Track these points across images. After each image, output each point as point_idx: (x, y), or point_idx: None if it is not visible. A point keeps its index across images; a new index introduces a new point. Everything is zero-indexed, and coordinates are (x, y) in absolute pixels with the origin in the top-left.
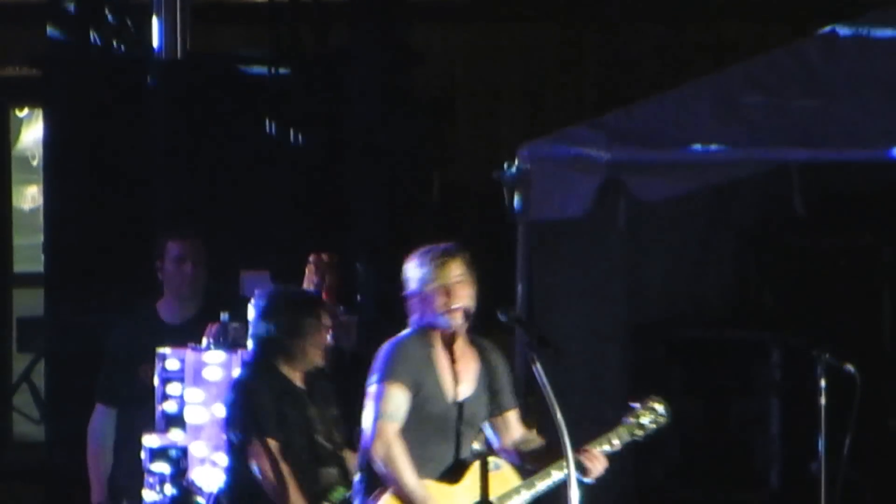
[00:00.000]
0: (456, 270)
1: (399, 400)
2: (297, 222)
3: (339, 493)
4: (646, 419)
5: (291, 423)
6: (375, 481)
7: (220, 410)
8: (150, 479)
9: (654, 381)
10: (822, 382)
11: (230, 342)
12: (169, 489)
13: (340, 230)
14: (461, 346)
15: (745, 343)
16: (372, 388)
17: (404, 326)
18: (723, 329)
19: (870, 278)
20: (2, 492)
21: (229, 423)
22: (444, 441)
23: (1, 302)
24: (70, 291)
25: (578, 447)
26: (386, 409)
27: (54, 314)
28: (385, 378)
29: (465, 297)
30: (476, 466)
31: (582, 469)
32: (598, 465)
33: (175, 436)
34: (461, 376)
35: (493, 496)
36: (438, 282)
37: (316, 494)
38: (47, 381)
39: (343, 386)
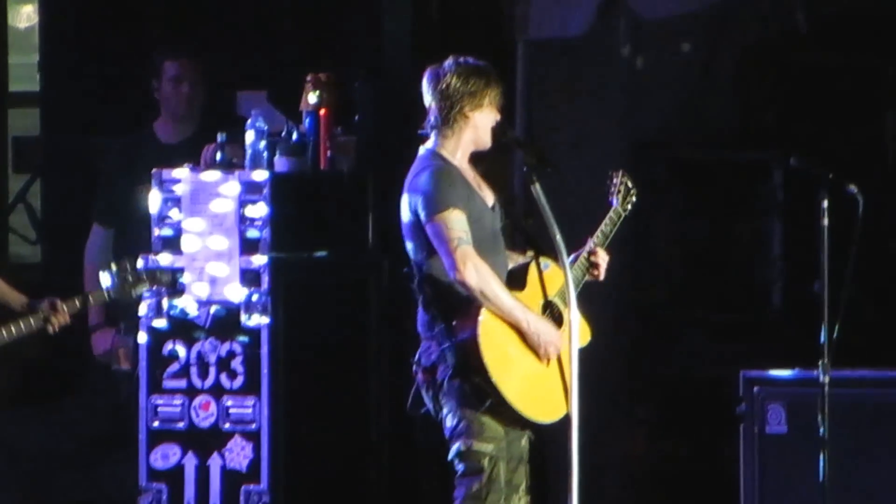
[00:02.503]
0: (497, 89)
1: (462, 223)
2: (296, 41)
3: None
4: (626, 201)
5: None
6: (446, 307)
7: (217, 240)
8: (147, 302)
9: (655, 200)
10: (825, 203)
11: (226, 162)
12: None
13: (339, 49)
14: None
15: (747, 163)
16: (432, 224)
17: (402, 146)
18: (725, 149)
19: (873, 98)
20: None
21: None
22: (497, 252)
23: None
24: (66, 111)
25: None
26: (456, 235)
27: (50, 134)
28: (442, 209)
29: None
30: (532, 269)
31: (590, 267)
32: (601, 263)
33: (168, 258)
34: (484, 189)
35: (552, 295)
36: (487, 101)
37: None
38: (43, 201)
39: None
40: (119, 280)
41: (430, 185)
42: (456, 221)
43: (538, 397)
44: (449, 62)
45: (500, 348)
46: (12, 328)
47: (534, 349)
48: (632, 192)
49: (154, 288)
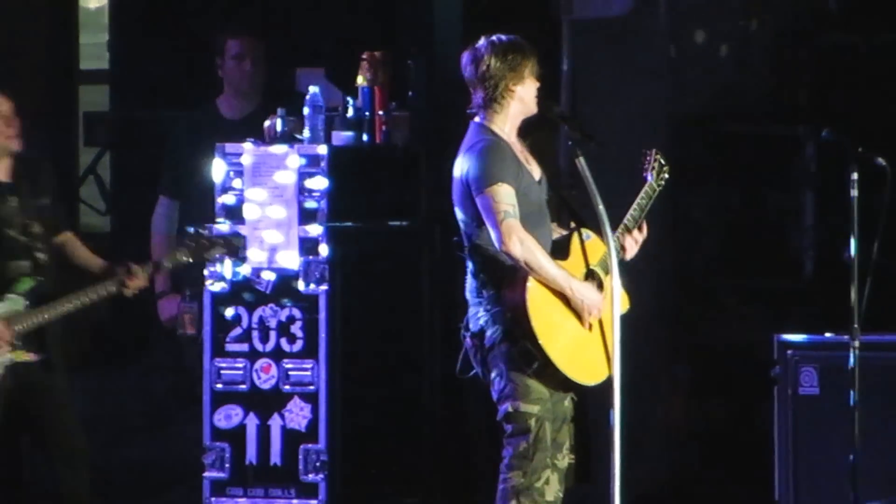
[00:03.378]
0: (533, 59)
1: (510, 197)
2: (352, 21)
3: (24, 284)
4: (660, 176)
5: None
6: (496, 276)
7: (277, 210)
8: (212, 269)
9: (694, 173)
10: (854, 175)
11: (287, 136)
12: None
13: (393, 27)
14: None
15: (780, 137)
16: (482, 197)
17: (453, 120)
18: (760, 123)
19: None
20: (70, 278)
21: None
22: (543, 224)
23: (67, 97)
24: (134, 87)
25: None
26: (504, 208)
27: (119, 109)
28: (491, 182)
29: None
30: (574, 239)
31: (623, 249)
32: (636, 241)
33: (230, 226)
34: (531, 163)
35: (594, 264)
36: (527, 72)
37: (2, 286)
38: (112, 173)
39: None
40: (195, 244)
41: (481, 159)
42: (504, 195)
43: (582, 361)
44: (483, 43)
45: (546, 314)
46: (91, 292)
47: (578, 314)
48: (665, 168)
49: (225, 252)
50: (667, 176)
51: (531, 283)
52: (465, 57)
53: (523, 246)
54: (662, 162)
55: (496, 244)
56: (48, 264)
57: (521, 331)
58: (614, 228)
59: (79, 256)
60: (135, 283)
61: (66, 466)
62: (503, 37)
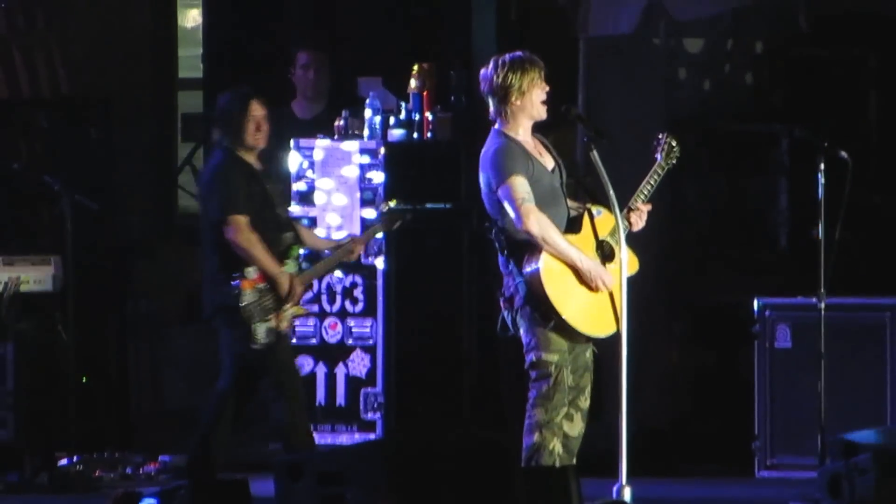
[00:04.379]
0: (540, 79)
1: (525, 185)
2: (405, 37)
3: (294, 251)
4: (670, 156)
5: (257, 199)
6: (519, 251)
7: (341, 196)
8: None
9: (688, 162)
10: (822, 165)
11: (351, 133)
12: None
13: (439, 43)
14: (532, 137)
15: (760, 134)
16: (501, 189)
17: (487, 120)
18: (743, 122)
19: (860, 81)
20: (170, 251)
21: (209, 205)
22: (557, 204)
23: (168, 101)
24: (224, 92)
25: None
26: (520, 195)
27: (211, 110)
28: (506, 176)
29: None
30: (586, 217)
31: (629, 222)
32: (642, 216)
33: (303, 210)
34: (544, 155)
35: (604, 236)
36: (533, 86)
37: (280, 254)
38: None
39: None
40: (387, 218)
41: (494, 160)
42: (519, 185)
43: (592, 317)
44: (492, 65)
45: (559, 282)
46: (334, 259)
47: (586, 283)
48: (675, 149)
49: (401, 223)
50: (678, 155)
51: (545, 256)
52: (481, 75)
53: (539, 225)
54: (673, 144)
55: (516, 224)
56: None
57: (538, 296)
58: (623, 207)
59: (302, 232)
60: (358, 249)
61: (299, 402)
62: (507, 56)
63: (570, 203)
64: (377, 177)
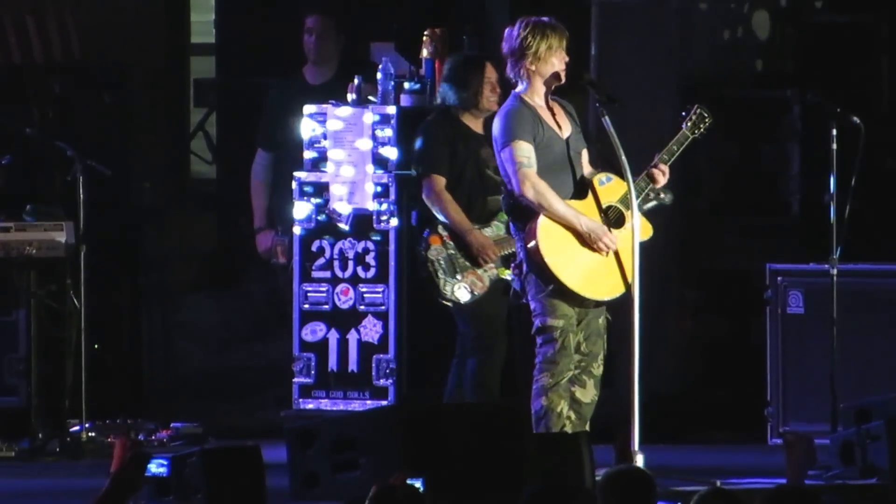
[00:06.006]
0: (560, 47)
1: (527, 150)
2: (418, 2)
3: (503, 215)
4: (697, 126)
5: (462, 160)
6: (523, 216)
7: (355, 161)
8: (301, 208)
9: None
10: (834, 131)
11: (362, 99)
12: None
13: (451, 8)
14: (551, 102)
15: (772, 99)
16: (504, 152)
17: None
18: (755, 88)
19: (871, 48)
20: (182, 217)
21: (413, 159)
22: (564, 172)
23: (181, 67)
24: (236, 58)
25: (641, 171)
26: (521, 160)
27: (223, 76)
28: (511, 139)
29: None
30: (594, 182)
31: (652, 179)
32: (661, 177)
33: (318, 175)
34: (560, 122)
35: (613, 202)
36: (551, 53)
37: (486, 216)
38: (218, 129)
39: None
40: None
41: (502, 123)
42: (520, 150)
43: (596, 280)
44: (517, 25)
45: (558, 246)
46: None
47: (588, 245)
48: (706, 119)
49: (657, 203)
50: (708, 126)
51: (542, 220)
52: (505, 33)
53: (535, 190)
54: (705, 115)
55: (515, 189)
56: None
57: (537, 261)
58: (636, 173)
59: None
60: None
61: (493, 361)
62: (532, 20)
63: (588, 170)
64: (388, 136)
